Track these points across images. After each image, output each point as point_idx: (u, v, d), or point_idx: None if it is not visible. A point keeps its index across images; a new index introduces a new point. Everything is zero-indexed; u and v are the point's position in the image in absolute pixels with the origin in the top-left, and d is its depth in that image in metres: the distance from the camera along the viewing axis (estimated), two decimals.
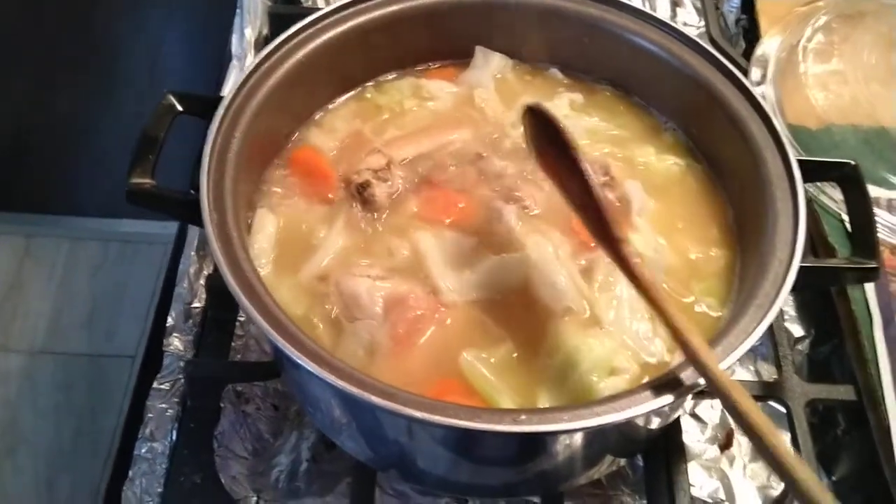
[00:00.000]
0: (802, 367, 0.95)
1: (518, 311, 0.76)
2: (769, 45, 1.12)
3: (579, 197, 0.71)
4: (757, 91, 1.07)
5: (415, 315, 0.75)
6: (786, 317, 0.97)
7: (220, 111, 0.77)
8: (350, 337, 0.74)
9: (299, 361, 0.63)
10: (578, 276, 0.78)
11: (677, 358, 0.74)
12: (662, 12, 1.29)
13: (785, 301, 0.96)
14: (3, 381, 2.24)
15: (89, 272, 2.45)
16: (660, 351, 0.74)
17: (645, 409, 0.63)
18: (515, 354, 0.74)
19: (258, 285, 0.68)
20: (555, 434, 0.63)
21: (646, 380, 0.72)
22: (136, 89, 2.16)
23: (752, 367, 0.95)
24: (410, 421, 0.61)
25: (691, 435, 0.90)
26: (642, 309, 0.76)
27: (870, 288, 0.88)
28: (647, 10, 1.25)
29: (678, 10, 1.31)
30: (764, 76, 1.09)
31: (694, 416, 0.91)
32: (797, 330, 0.97)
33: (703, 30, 1.25)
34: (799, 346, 0.96)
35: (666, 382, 0.65)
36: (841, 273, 0.75)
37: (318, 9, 1.22)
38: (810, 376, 0.94)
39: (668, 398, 0.64)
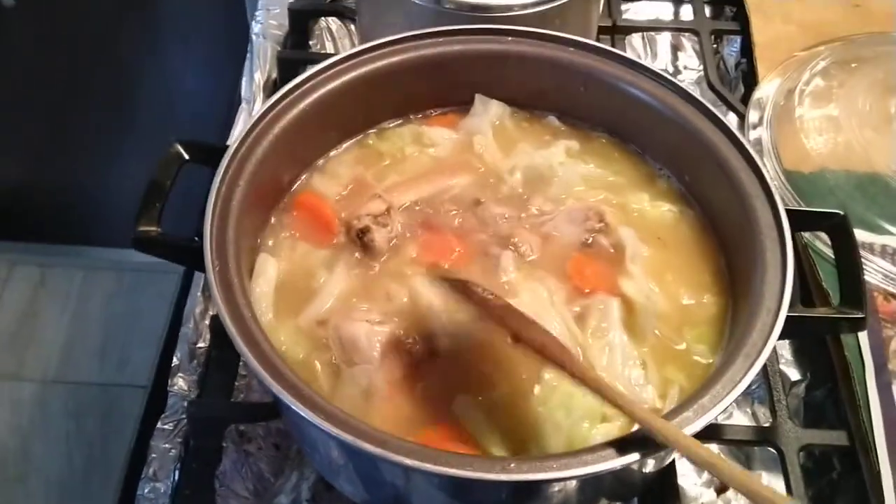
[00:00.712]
0: (799, 411, 0.96)
1: (512, 357, 0.77)
2: (767, 89, 1.14)
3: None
4: (754, 134, 1.11)
5: (412, 360, 0.76)
6: (782, 360, 0.98)
7: (225, 161, 0.79)
8: (348, 381, 0.76)
9: (295, 409, 0.64)
10: (572, 323, 0.79)
11: (668, 405, 0.75)
12: (663, 56, 1.32)
13: (781, 345, 0.99)
14: (16, 409, 2.27)
15: (102, 302, 2.49)
16: (651, 398, 0.76)
17: (633, 459, 0.64)
18: (509, 400, 0.75)
19: (257, 332, 0.70)
20: (544, 482, 0.64)
21: (636, 427, 0.74)
22: (151, 125, 2.21)
23: (748, 410, 0.96)
24: (403, 468, 0.63)
25: (688, 478, 0.90)
26: (635, 356, 0.78)
27: (863, 333, 0.89)
28: (648, 53, 1.32)
29: (679, 53, 1.33)
30: (761, 120, 1.11)
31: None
32: (793, 374, 0.98)
33: (702, 73, 1.27)
34: (795, 390, 0.97)
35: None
36: (828, 323, 0.76)
37: (326, 54, 1.28)
38: (806, 420, 0.95)
39: (655, 448, 0.65)
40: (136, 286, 2.50)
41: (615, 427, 0.73)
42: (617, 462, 0.63)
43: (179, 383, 0.93)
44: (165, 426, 0.90)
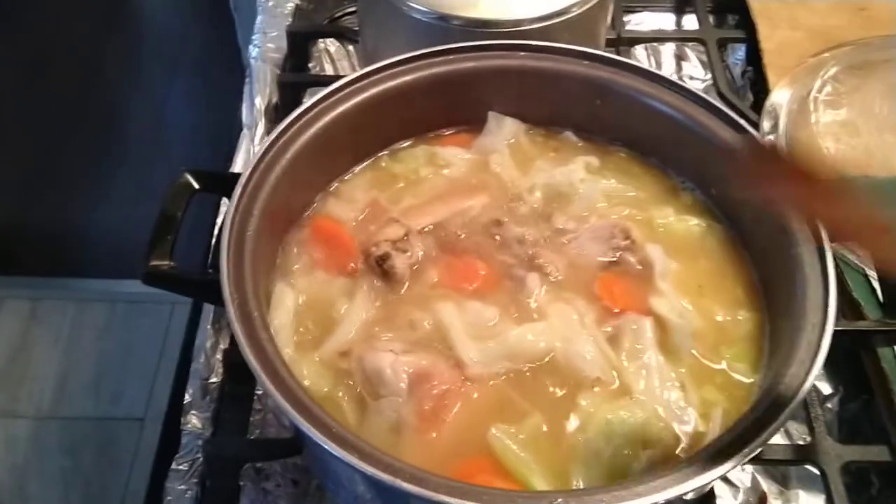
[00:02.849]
0: (833, 426, 0.93)
1: (545, 383, 0.75)
2: (779, 96, 1.12)
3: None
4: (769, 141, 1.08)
5: (440, 390, 0.73)
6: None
7: (239, 189, 0.76)
8: (375, 415, 0.73)
9: (326, 447, 0.61)
10: (606, 345, 0.76)
11: (712, 427, 0.72)
12: (667, 66, 1.30)
13: None
14: (12, 447, 2.22)
15: (95, 334, 2.45)
16: (693, 419, 0.73)
17: (687, 489, 0.61)
18: (545, 429, 0.72)
19: (281, 367, 0.67)
20: None
21: (680, 449, 0.71)
22: (141, 155, 2.18)
23: (783, 428, 0.93)
24: None
25: (724, 500, 0.87)
26: (672, 377, 0.75)
27: None
28: (653, 64, 1.30)
29: (683, 63, 1.31)
30: (775, 128, 1.09)
31: (725, 479, 0.89)
32: (825, 387, 0.95)
33: (709, 83, 1.25)
34: (828, 404, 0.94)
35: (706, 457, 0.63)
36: (873, 336, 0.73)
37: (327, 76, 1.25)
38: (841, 435, 0.92)
39: (709, 476, 0.62)
40: (130, 317, 2.47)
41: (658, 452, 0.70)
42: (670, 493, 0.60)
43: (193, 421, 0.90)
44: (181, 466, 0.87)
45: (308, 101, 0.86)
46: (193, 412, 0.90)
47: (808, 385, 0.65)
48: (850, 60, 1.13)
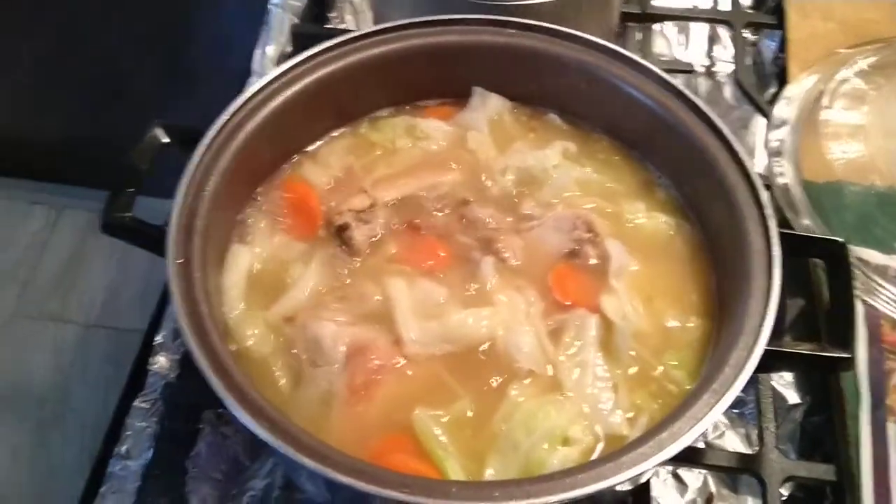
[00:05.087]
0: (795, 436, 0.91)
1: (479, 369, 0.75)
2: (796, 89, 1.07)
3: None
4: (776, 135, 1.04)
5: (374, 365, 0.74)
6: (781, 382, 0.93)
7: (201, 149, 0.77)
8: (309, 384, 0.74)
9: (235, 413, 0.64)
10: (546, 338, 0.76)
11: (635, 433, 0.72)
12: (697, 47, 1.25)
13: None
14: (59, 350, 2.33)
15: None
16: (619, 423, 0.72)
17: (583, 493, 0.62)
18: (470, 414, 0.73)
19: (211, 328, 0.69)
20: None
21: (598, 452, 0.71)
22: (204, 75, 2.19)
23: (742, 430, 0.92)
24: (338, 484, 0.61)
25: (670, 496, 0.87)
26: (607, 377, 0.75)
27: (863, 364, 0.84)
28: (682, 43, 1.25)
29: (714, 45, 1.26)
30: (785, 121, 1.05)
31: (675, 476, 0.89)
32: (792, 396, 0.93)
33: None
34: (792, 414, 0.92)
35: (616, 462, 0.63)
36: (811, 361, 0.71)
37: (342, 30, 1.25)
38: (801, 447, 0.90)
39: (611, 481, 0.62)
40: None
41: (575, 451, 0.70)
42: (565, 496, 0.61)
43: (161, 361, 0.93)
44: (142, 405, 0.91)
45: (291, 61, 0.86)
46: (162, 354, 0.94)
47: (724, 404, 0.64)
48: (879, 58, 1.07)
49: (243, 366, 0.70)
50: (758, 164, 1.08)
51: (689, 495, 0.88)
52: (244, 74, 1.18)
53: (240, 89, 1.14)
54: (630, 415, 0.73)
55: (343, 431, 0.72)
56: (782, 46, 1.21)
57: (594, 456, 0.70)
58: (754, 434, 0.91)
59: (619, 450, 0.63)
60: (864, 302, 0.88)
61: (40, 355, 2.29)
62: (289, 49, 1.20)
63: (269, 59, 1.18)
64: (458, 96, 0.93)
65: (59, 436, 2.16)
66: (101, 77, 2.28)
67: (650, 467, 0.61)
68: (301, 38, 1.19)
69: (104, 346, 2.35)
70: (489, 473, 0.70)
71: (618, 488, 0.75)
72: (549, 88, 0.90)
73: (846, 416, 0.83)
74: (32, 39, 2.20)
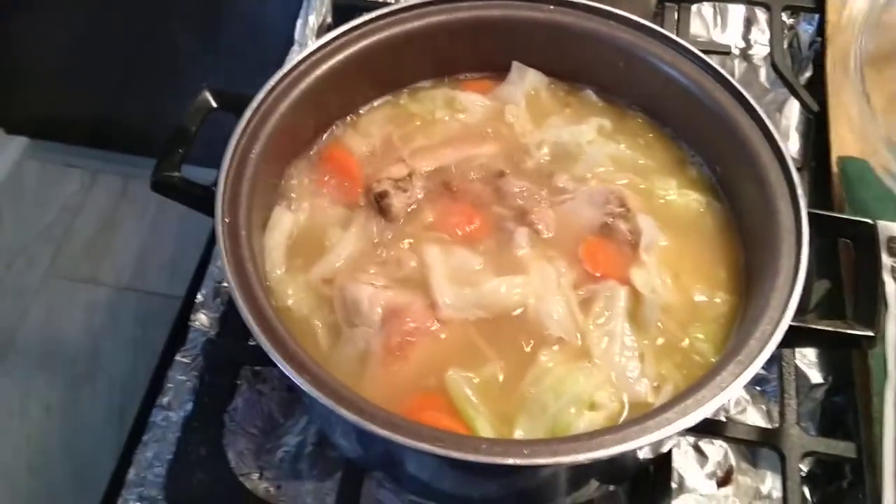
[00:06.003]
0: (815, 414, 0.93)
1: (511, 335, 0.78)
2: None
3: None
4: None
5: (410, 327, 0.77)
6: (804, 362, 0.95)
7: (248, 113, 0.80)
8: (347, 343, 0.77)
9: (280, 366, 0.66)
10: (576, 307, 0.79)
11: (660, 401, 0.74)
12: (734, 29, 1.26)
13: None
14: (91, 311, 2.38)
15: (179, 216, 2.56)
16: (644, 391, 0.75)
17: (608, 454, 0.64)
18: (501, 377, 0.76)
19: (256, 286, 0.72)
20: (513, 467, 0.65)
21: (623, 418, 0.74)
22: (240, 47, 2.21)
23: (763, 407, 0.94)
24: (375, 436, 0.64)
25: (690, 467, 0.90)
26: (634, 347, 0.77)
27: (892, 342, 0.85)
28: (718, 24, 1.26)
29: (752, 27, 1.26)
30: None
31: (697, 448, 0.91)
32: (815, 376, 0.95)
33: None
34: (814, 393, 0.94)
35: (641, 426, 0.65)
36: (837, 338, 0.73)
37: (383, 2, 1.26)
38: (821, 425, 0.92)
39: (636, 443, 0.64)
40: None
41: (601, 416, 0.73)
42: (589, 455, 0.63)
43: (201, 319, 0.97)
44: (184, 359, 0.94)
45: (334, 31, 0.88)
46: (203, 311, 0.97)
47: (748, 374, 0.66)
48: None
49: (284, 323, 0.73)
50: (791, 147, 1.10)
51: (709, 467, 0.90)
52: (282, 48, 1.20)
53: (278, 64, 1.18)
54: (655, 384, 0.75)
55: (378, 388, 0.74)
56: (820, 30, 1.21)
57: (619, 421, 0.73)
58: (775, 411, 0.93)
59: (644, 414, 0.65)
60: None
61: (72, 316, 2.34)
62: (329, 19, 1.22)
63: (310, 30, 1.20)
64: (497, 70, 0.95)
65: (90, 393, 2.21)
66: (142, 49, 2.31)
67: (674, 432, 0.64)
68: (341, 10, 1.21)
69: (134, 308, 2.40)
70: (517, 434, 0.72)
71: (641, 454, 0.78)
72: (587, 65, 0.92)
73: (871, 393, 0.84)
74: (77, 11, 2.23)
